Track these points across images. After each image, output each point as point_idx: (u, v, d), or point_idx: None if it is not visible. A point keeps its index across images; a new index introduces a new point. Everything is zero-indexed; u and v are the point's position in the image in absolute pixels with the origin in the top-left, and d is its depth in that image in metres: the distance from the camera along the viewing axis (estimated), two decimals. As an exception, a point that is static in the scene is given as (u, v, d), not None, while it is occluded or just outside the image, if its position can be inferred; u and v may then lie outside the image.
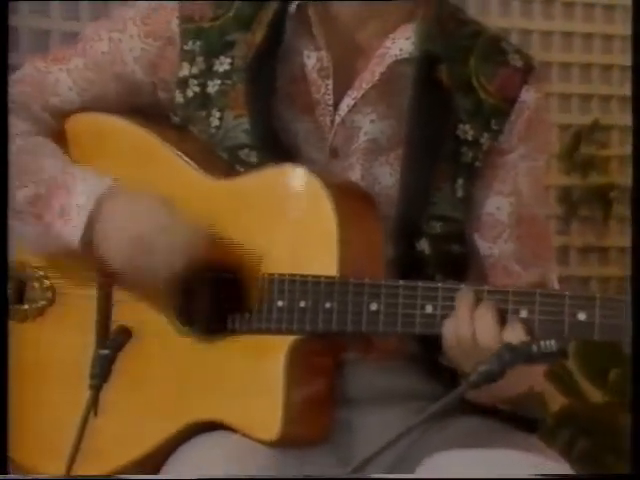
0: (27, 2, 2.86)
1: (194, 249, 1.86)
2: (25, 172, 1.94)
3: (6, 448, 1.89)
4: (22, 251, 1.99)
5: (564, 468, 1.89)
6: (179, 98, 1.98)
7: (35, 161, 1.94)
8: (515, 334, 1.75)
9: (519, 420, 1.95)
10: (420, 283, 1.82)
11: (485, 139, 1.95)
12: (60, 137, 2.01)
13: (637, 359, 1.23)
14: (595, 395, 3.11)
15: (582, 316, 1.75)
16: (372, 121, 1.95)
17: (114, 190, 1.89)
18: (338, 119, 1.95)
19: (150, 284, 1.88)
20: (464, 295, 1.78)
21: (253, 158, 1.93)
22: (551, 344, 1.70)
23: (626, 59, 3.59)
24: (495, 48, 1.99)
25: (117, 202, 1.88)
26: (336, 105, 1.95)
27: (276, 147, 1.93)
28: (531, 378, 1.88)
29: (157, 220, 1.86)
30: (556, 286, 2.01)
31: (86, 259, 1.90)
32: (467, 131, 1.95)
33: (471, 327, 1.76)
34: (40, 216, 1.92)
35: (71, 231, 1.88)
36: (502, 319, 1.77)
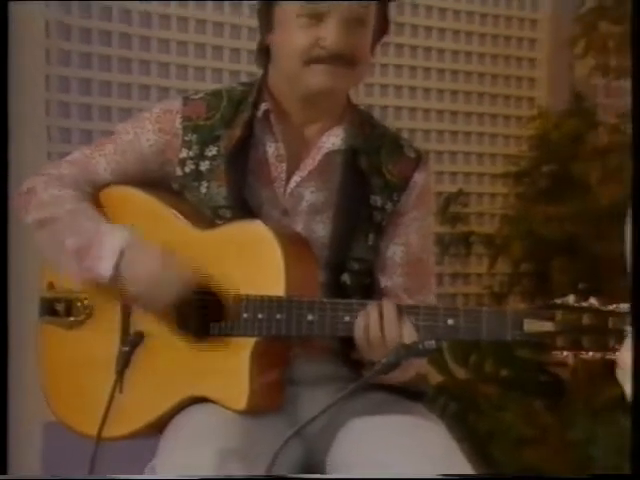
0: (76, 105, 2.77)
1: (184, 283, 1.81)
2: (73, 226, 1.88)
3: (6, 448, 1.78)
4: (69, 279, 1.91)
5: (439, 426, 1.83)
6: (179, 173, 1.91)
7: (79, 220, 1.88)
8: (408, 333, 1.70)
9: (410, 393, 1.88)
10: (341, 301, 1.77)
11: (389, 206, 1.90)
12: (97, 203, 1.94)
13: (637, 359, 1.06)
14: (460, 373, 3.07)
15: (451, 322, 1.71)
16: (312, 192, 1.89)
17: (131, 242, 1.83)
18: (289, 190, 1.89)
19: (157, 304, 1.83)
20: (372, 307, 1.73)
21: (228, 215, 1.87)
22: (432, 343, 1.67)
23: (483, 148, 3.55)
24: (396, 144, 1.95)
25: (134, 251, 1.82)
26: (288, 180, 1.89)
27: (244, 208, 1.87)
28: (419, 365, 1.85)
29: (161, 264, 1.81)
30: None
31: (113, 287, 1.84)
32: (377, 200, 1.89)
33: (380, 328, 1.71)
34: (83, 259, 1.85)
35: (104, 271, 1.83)
36: (400, 323, 1.72)
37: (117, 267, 1.81)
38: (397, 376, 1.76)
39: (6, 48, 1.84)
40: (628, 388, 1.34)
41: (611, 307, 1.60)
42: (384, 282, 1.90)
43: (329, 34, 1.79)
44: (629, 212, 1.35)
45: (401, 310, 1.72)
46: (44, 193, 1.91)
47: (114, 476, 1.70)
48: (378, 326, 1.71)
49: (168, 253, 1.81)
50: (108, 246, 1.82)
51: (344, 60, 1.81)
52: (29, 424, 2.59)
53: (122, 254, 1.81)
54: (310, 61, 1.81)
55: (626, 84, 3.44)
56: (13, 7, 2.49)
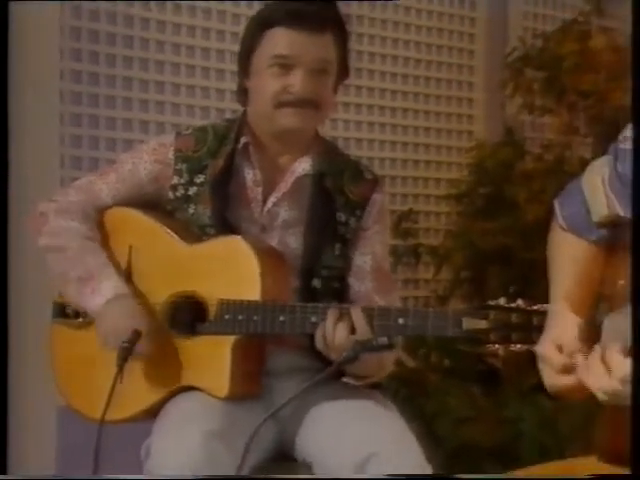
0: (86, 137, 2.74)
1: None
2: (77, 259, 1.84)
3: (6, 448, 1.68)
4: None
5: (392, 409, 1.81)
6: (171, 196, 1.88)
7: (82, 255, 1.84)
8: (362, 333, 1.67)
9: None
10: (308, 304, 1.74)
11: (352, 221, 1.87)
12: (100, 223, 1.91)
13: (637, 359, 1.07)
14: (410, 363, 3.05)
15: (401, 321, 1.67)
16: (286, 210, 1.87)
17: (118, 296, 1.79)
18: (266, 209, 1.86)
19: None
20: (331, 312, 1.70)
21: (213, 232, 1.84)
22: (384, 340, 1.67)
23: (429, 173, 3.53)
24: (357, 169, 1.92)
25: (115, 305, 1.78)
26: (264, 202, 1.86)
27: (226, 225, 1.84)
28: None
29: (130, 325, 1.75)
30: (397, 304, 1.93)
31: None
32: (342, 217, 1.87)
33: (333, 333, 1.68)
34: (81, 292, 1.83)
35: (93, 308, 1.81)
36: (353, 328, 1.68)
37: (99, 311, 1.78)
38: (378, 374, 1.78)
39: (6, 50, 1.69)
40: (545, 376, 1.32)
41: (535, 307, 1.59)
42: (357, 287, 1.87)
43: (297, 82, 1.78)
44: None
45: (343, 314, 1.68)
46: (54, 222, 1.88)
47: (114, 476, 1.63)
48: (332, 334, 1.68)
49: (142, 317, 1.76)
50: (100, 290, 1.79)
51: (310, 104, 1.80)
52: (44, 407, 2.55)
53: (105, 305, 1.77)
54: (280, 105, 1.80)
55: (548, 120, 3.47)
56: (29, 58, 2.49)
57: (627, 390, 1.11)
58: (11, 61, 2.32)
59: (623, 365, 1.10)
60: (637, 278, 1.03)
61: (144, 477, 1.68)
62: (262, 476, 1.67)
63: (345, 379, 1.75)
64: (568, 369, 1.22)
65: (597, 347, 1.17)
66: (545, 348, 1.28)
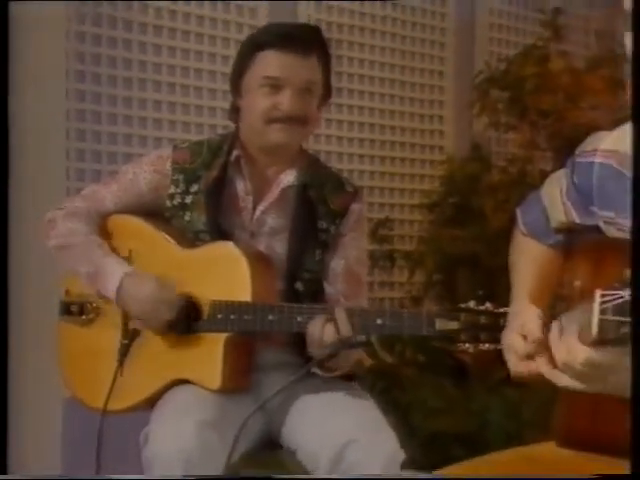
0: (89, 152, 2.74)
1: (175, 309, 1.77)
2: (84, 255, 1.85)
3: (6, 448, 1.64)
4: (83, 287, 1.89)
5: (368, 400, 1.82)
6: (168, 204, 1.89)
7: (89, 251, 1.85)
8: (345, 331, 1.67)
9: (346, 375, 1.83)
10: (295, 305, 1.75)
11: (332, 229, 1.88)
12: (103, 229, 1.91)
13: (636, 359, 1.05)
14: (387, 358, 3.04)
15: (379, 321, 1.68)
16: (273, 218, 1.88)
17: (130, 273, 1.80)
18: (255, 217, 1.87)
19: (153, 324, 1.80)
20: (318, 318, 1.71)
21: (207, 237, 1.85)
22: (362, 337, 1.66)
23: (404, 185, 3.55)
24: (338, 181, 1.93)
25: (132, 281, 1.79)
26: (254, 210, 1.87)
27: (219, 232, 1.85)
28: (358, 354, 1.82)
29: (155, 292, 1.77)
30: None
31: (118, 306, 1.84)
32: (322, 224, 1.88)
33: (322, 333, 1.69)
34: (92, 284, 1.84)
35: (111, 295, 1.81)
36: (337, 329, 1.68)
37: (118, 293, 1.79)
38: (343, 368, 1.77)
39: (6, 48, 1.63)
40: (510, 364, 1.32)
41: (502, 309, 1.59)
42: (328, 289, 1.88)
43: (285, 100, 1.80)
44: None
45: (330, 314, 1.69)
46: (62, 225, 1.88)
47: (114, 476, 1.60)
48: (320, 334, 1.68)
49: (162, 282, 1.77)
50: (110, 277, 1.80)
51: (297, 121, 1.81)
52: (47, 406, 2.55)
53: (122, 283, 1.78)
54: (270, 121, 1.81)
55: (512, 136, 3.50)
56: (35, 82, 2.49)
57: (584, 371, 1.11)
58: (14, 73, 2.32)
59: (579, 350, 1.10)
60: (637, 276, 1.01)
61: (144, 477, 1.66)
62: (257, 476, 1.66)
63: (313, 370, 1.75)
64: (531, 356, 1.24)
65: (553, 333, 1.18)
66: (510, 337, 1.29)
